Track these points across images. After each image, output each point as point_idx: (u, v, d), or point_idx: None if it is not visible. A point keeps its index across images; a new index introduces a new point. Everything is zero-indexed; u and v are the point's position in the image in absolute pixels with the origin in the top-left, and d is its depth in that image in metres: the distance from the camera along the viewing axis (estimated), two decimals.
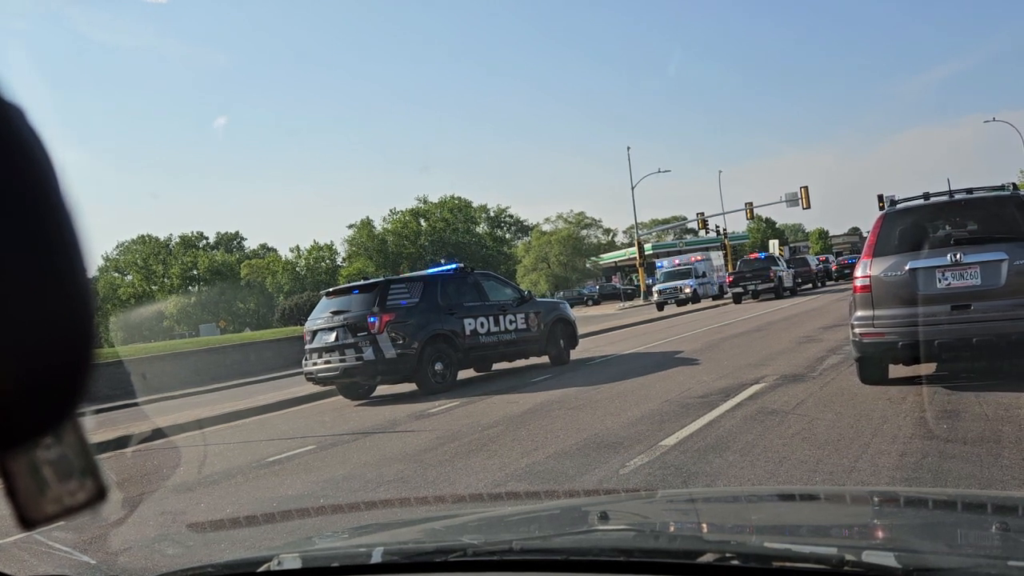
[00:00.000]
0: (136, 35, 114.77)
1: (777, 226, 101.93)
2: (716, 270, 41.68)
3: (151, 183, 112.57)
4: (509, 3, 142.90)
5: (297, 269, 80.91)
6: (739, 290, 33.23)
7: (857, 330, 7.53)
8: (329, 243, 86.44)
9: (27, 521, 0.49)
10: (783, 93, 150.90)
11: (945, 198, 8.07)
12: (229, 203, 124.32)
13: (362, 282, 13.15)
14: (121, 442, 9.59)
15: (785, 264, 36.41)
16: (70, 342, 0.46)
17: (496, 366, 13.68)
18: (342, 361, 11.47)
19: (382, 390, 12.58)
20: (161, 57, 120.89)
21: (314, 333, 12.09)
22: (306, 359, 12.13)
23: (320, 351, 11.81)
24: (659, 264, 45.57)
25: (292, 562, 1.66)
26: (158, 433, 10.18)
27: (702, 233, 54.08)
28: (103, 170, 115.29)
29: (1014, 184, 8.86)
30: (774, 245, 53.45)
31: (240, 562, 1.74)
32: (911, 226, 7.70)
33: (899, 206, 8.12)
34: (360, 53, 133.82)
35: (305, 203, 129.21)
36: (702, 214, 49.44)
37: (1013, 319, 6.84)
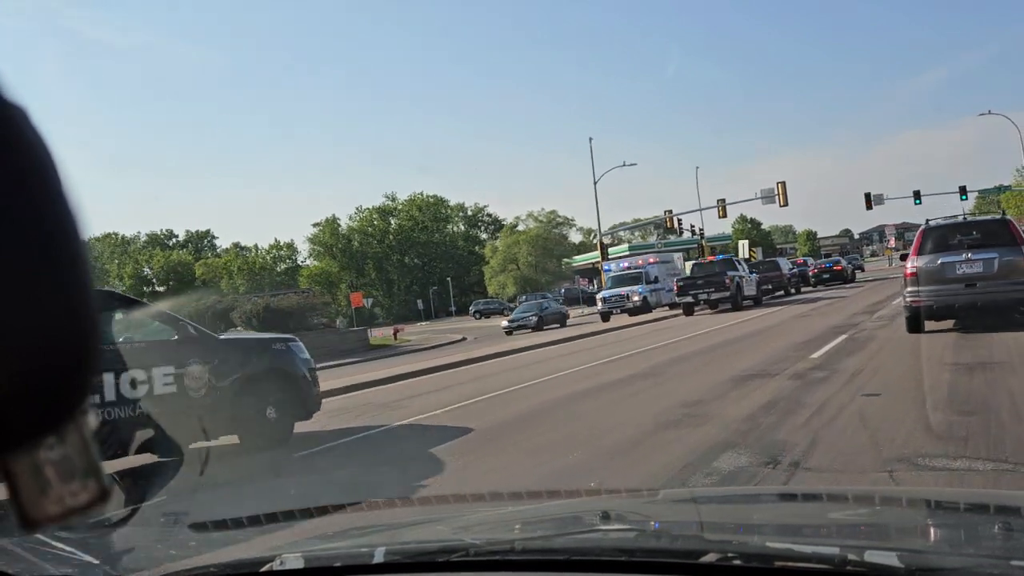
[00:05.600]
0: (134, 34, 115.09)
1: (764, 227, 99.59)
2: (675, 274, 35.46)
3: (148, 183, 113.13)
4: (506, 4, 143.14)
5: (254, 270, 76.00)
6: (689, 300, 27.95)
7: (908, 299, 12.25)
8: (290, 241, 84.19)
9: (29, 522, 0.48)
10: (780, 95, 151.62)
11: (960, 220, 14.19)
12: (204, 201, 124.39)
13: None
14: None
15: (747, 268, 31.05)
16: (72, 341, 0.46)
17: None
18: None
19: None
20: (158, 56, 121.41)
21: None
22: None
23: None
24: (606, 267, 39.14)
25: (294, 562, 1.65)
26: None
27: (684, 234, 50.25)
28: (102, 170, 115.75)
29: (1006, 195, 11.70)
30: (743, 246, 49.03)
31: (243, 562, 1.74)
32: (939, 236, 12.50)
33: (931, 223, 12.95)
34: (355, 52, 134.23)
35: (275, 201, 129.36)
36: (670, 212, 45.07)
37: (1003, 291, 11.60)
